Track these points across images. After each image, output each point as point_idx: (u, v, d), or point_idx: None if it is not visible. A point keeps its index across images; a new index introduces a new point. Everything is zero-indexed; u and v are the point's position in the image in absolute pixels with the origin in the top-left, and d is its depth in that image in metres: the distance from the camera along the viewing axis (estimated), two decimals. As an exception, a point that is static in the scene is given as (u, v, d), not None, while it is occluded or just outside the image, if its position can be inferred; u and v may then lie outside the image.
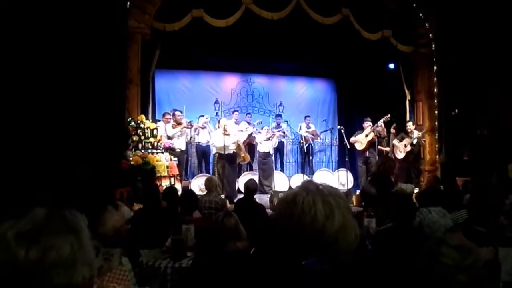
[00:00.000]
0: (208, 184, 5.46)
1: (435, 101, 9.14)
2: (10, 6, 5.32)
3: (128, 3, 7.23)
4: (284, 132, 9.91)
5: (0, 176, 4.79)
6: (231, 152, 8.27)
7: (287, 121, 10.38)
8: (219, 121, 8.66)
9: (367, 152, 9.12)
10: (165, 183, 6.86)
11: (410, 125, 8.85)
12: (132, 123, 7.13)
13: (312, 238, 1.07)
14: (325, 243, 1.07)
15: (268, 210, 6.00)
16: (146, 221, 3.96)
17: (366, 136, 9.08)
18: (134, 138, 7.06)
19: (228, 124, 8.42)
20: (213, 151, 8.73)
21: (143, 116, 7.38)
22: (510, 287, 2.40)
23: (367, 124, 9.13)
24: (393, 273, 1.49)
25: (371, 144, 9.10)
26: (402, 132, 8.90)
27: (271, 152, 9.35)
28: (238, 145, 8.47)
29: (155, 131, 7.37)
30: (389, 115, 8.99)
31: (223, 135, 8.08)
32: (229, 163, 8.18)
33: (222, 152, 8.04)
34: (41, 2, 5.61)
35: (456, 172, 7.90)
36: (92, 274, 0.93)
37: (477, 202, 3.70)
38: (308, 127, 10.11)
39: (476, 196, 4.42)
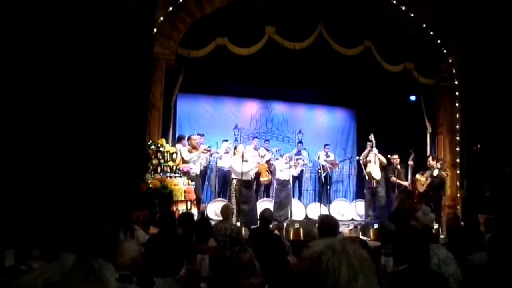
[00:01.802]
0: (225, 211, 5.46)
1: (457, 135, 8.99)
2: (39, 29, 5.52)
3: (155, 30, 7.43)
4: (303, 160, 9.87)
5: (22, 192, 4.89)
6: (249, 178, 8.26)
7: (305, 149, 10.35)
8: (236, 147, 8.70)
9: (374, 183, 8.84)
10: (181, 208, 6.88)
11: (430, 160, 8.69)
12: (152, 147, 7.23)
13: None
14: None
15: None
16: (160, 248, 3.96)
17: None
18: (154, 162, 7.14)
19: (245, 151, 8.45)
20: (232, 176, 8.74)
21: (163, 139, 7.49)
22: None
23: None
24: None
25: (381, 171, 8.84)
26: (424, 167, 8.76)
27: (290, 180, 9.24)
28: (262, 166, 8.52)
29: (174, 155, 7.45)
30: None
31: (242, 161, 8.10)
32: (247, 189, 8.16)
33: (240, 178, 8.04)
34: (66, 27, 5.80)
35: (478, 209, 7.70)
36: None
37: (499, 243, 3.56)
38: (327, 155, 10.05)
39: (498, 236, 4.27)
